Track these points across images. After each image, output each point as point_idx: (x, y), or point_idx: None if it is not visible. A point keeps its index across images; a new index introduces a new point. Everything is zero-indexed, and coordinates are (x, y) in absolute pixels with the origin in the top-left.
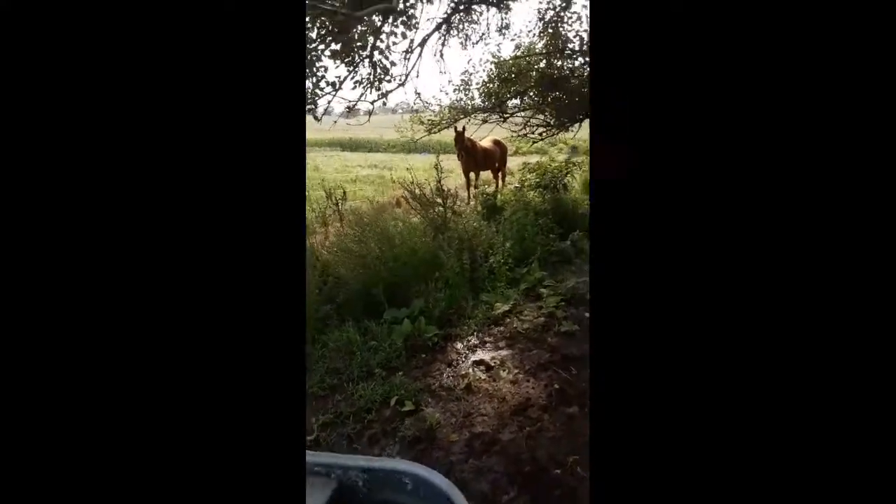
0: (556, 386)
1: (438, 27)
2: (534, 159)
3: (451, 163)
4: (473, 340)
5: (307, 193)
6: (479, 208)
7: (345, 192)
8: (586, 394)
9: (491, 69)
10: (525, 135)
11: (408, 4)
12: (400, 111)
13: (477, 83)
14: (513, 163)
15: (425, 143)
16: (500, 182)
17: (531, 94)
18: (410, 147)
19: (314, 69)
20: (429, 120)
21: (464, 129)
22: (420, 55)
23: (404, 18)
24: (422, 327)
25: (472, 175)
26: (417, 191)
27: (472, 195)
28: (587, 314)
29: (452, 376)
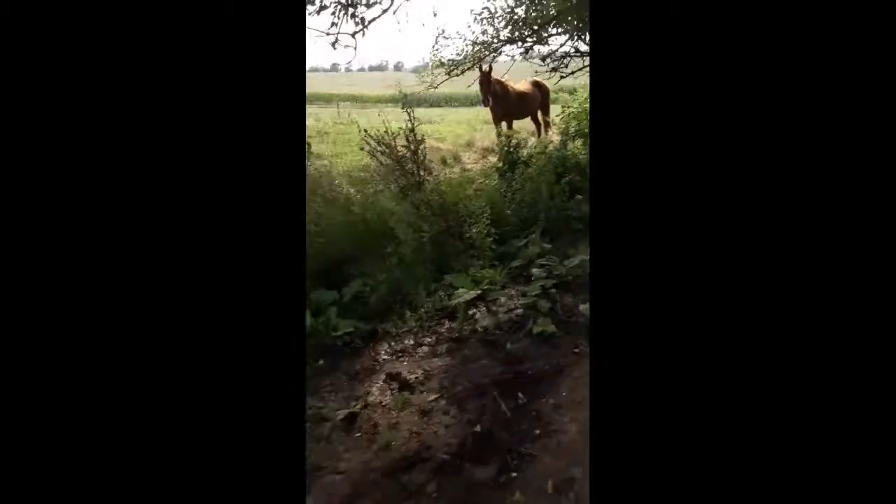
0: (479, 428)
1: None
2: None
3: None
4: (407, 342)
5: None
6: (500, 164)
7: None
8: (522, 447)
9: None
10: (555, 69)
11: None
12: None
13: (502, 8)
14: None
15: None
16: (542, 131)
17: (570, 17)
18: (474, 99)
19: None
20: (448, 60)
21: (490, 68)
22: None
23: None
24: (330, 322)
25: (503, 124)
26: (390, 142)
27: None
28: (583, 306)
29: (344, 398)
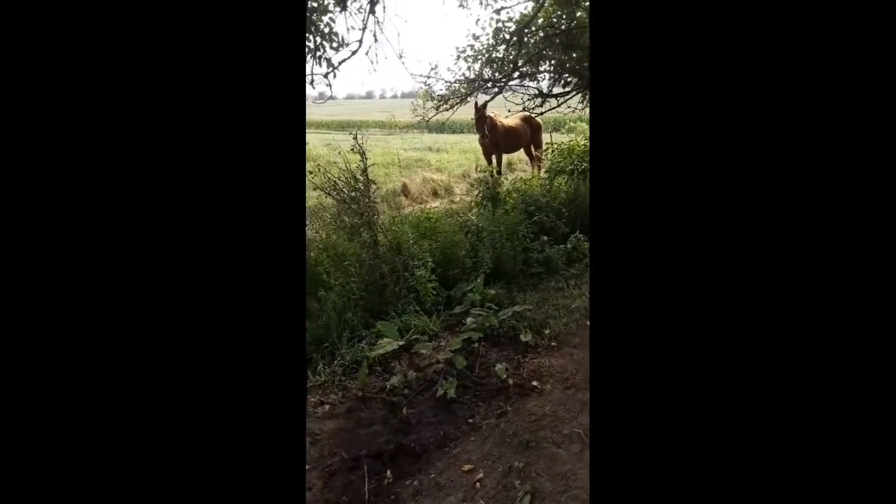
0: None
1: None
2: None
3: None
4: (311, 398)
5: None
6: (479, 199)
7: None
8: None
9: (497, 29)
10: (528, 108)
11: None
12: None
13: (483, 48)
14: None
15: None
16: (535, 167)
17: (547, 53)
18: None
19: None
20: (438, 96)
21: (485, 105)
22: (371, 13)
23: None
24: None
25: (493, 159)
26: (341, 179)
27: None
28: (499, 366)
29: None
